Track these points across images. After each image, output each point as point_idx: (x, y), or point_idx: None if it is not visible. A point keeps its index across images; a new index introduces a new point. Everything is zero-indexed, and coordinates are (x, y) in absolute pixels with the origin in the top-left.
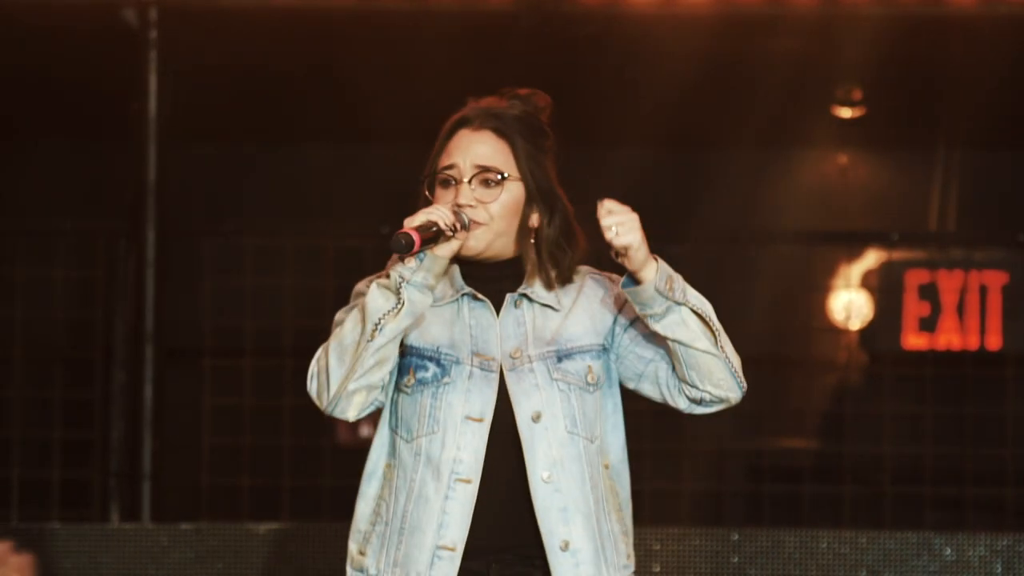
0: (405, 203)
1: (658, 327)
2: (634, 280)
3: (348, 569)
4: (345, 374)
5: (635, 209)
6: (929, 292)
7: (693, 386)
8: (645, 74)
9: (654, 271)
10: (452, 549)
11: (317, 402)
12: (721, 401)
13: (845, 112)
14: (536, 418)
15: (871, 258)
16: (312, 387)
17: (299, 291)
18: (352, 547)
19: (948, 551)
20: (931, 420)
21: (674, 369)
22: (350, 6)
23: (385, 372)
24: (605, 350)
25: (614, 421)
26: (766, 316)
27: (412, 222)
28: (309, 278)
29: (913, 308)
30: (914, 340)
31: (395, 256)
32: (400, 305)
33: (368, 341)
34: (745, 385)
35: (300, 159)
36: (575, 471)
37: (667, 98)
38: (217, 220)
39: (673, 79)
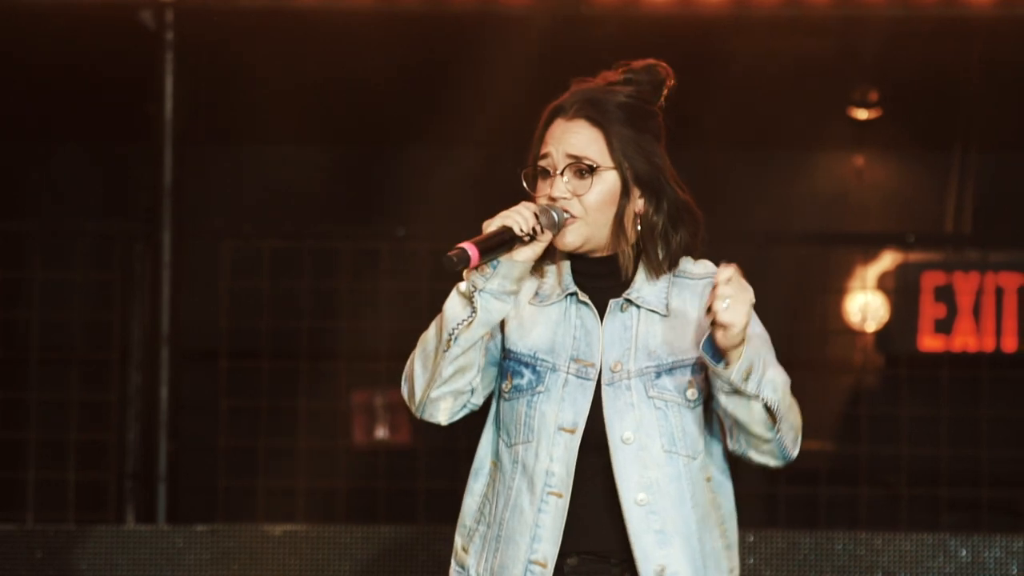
0: (423, 205)
1: (722, 398)
2: (714, 350)
3: (452, 562)
4: (428, 381)
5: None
6: (945, 294)
7: (737, 445)
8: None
9: (738, 357)
10: (544, 565)
11: (408, 406)
12: (760, 464)
13: (861, 114)
14: (627, 440)
15: (887, 260)
16: (404, 391)
17: (315, 293)
18: (458, 541)
19: (964, 553)
20: (947, 422)
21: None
22: (367, 7)
23: (470, 378)
24: (702, 366)
25: (715, 432)
26: (781, 318)
27: (487, 226)
28: (325, 280)
29: (929, 310)
30: (930, 342)
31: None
32: (474, 315)
33: (444, 351)
34: (794, 455)
35: (317, 160)
36: (673, 492)
37: (682, 99)
38: (233, 222)
39: (688, 80)
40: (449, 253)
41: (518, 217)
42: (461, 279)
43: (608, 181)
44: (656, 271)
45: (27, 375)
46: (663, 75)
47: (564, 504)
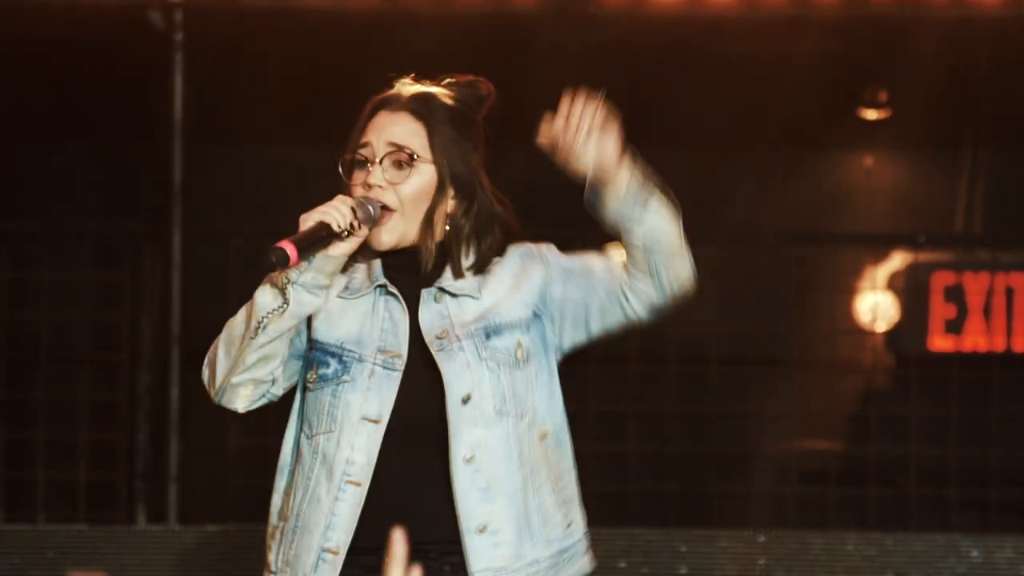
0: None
1: (639, 232)
2: (598, 193)
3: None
4: (229, 367)
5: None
6: (955, 294)
7: (660, 291)
8: (670, 76)
9: (627, 171)
10: (336, 552)
11: (208, 391)
12: (681, 296)
13: (871, 114)
14: (465, 400)
15: (897, 260)
16: (204, 375)
17: None
18: (267, 542)
19: (975, 553)
20: (957, 422)
21: (628, 282)
22: (375, 7)
23: (272, 368)
24: (537, 318)
25: (551, 389)
26: (791, 318)
27: (304, 222)
28: None
29: (939, 310)
30: (940, 342)
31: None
32: (284, 306)
33: (251, 338)
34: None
35: (325, 160)
36: (501, 450)
37: (691, 99)
38: (242, 222)
39: (698, 80)
40: (270, 251)
41: (336, 213)
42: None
43: (425, 174)
44: (459, 273)
45: (36, 375)
46: (485, 92)
47: (362, 493)
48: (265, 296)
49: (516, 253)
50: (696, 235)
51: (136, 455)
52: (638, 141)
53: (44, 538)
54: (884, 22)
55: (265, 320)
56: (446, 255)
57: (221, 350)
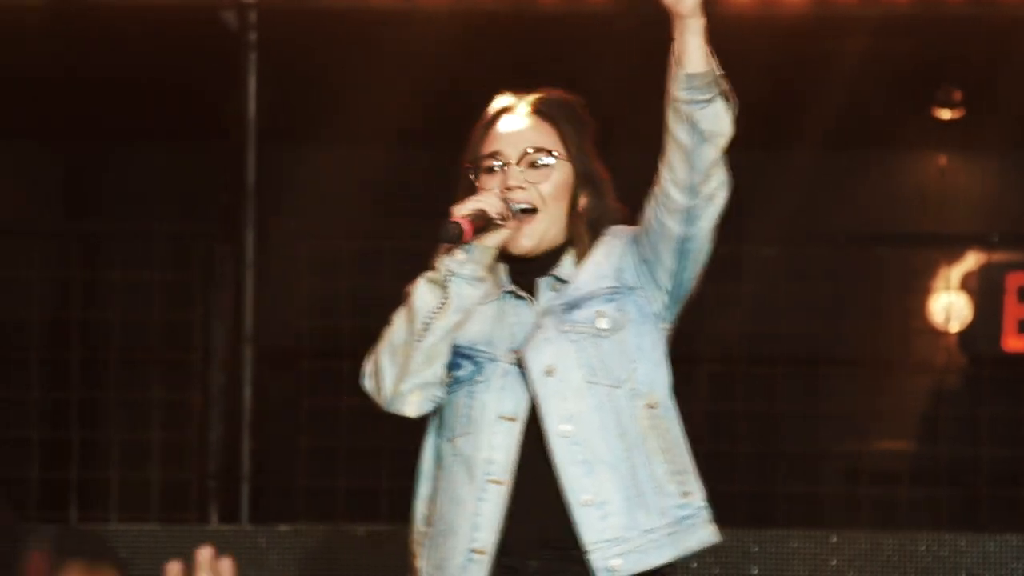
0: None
1: (698, 115)
2: (681, 64)
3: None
4: (397, 375)
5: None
6: None
7: (690, 191)
8: (741, 75)
9: (710, 56)
10: (483, 553)
11: (375, 400)
12: (711, 201)
13: (945, 113)
14: (549, 371)
15: (971, 260)
16: (368, 386)
17: (396, 293)
18: (412, 547)
19: None
20: None
21: (670, 185)
22: (448, 7)
23: (438, 368)
24: (630, 289)
25: (654, 358)
26: (865, 318)
27: (461, 210)
28: (405, 280)
29: (1013, 310)
30: (1014, 342)
31: (443, 250)
32: (448, 300)
33: (418, 341)
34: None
35: (398, 160)
36: (596, 421)
37: (764, 99)
38: (314, 222)
39: (770, 79)
40: (446, 223)
41: (490, 201)
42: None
43: (563, 171)
44: (580, 261)
45: (108, 376)
46: (578, 101)
47: (505, 491)
48: (425, 296)
49: (608, 234)
50: (768, 234)
51: (208, 455)
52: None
53: (117, 537)
54: (959, 21)
55: (431, 319)
56: (568, 247)
57: (385, 360)
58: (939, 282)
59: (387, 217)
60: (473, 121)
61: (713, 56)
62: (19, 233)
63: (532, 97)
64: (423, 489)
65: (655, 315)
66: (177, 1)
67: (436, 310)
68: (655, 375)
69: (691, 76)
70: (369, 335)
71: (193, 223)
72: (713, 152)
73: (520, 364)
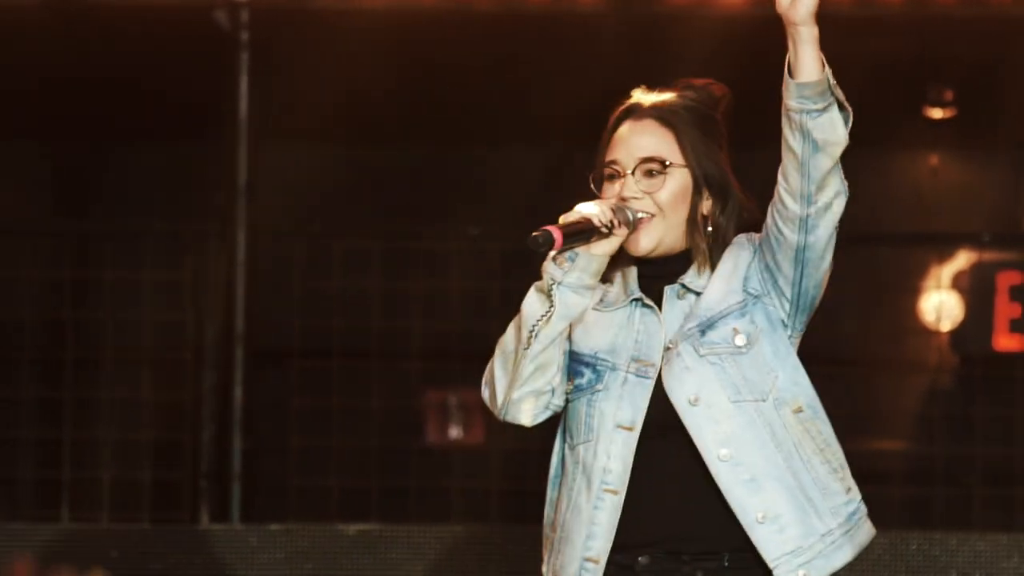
0: (496, 205)
1: (811, 124)
2: (794, 73)
3: None
4: (509, 383)
5: None
6: (1021, 293)
7: (805, 200)
8: (735, 74)
9: (825, 64)
10: (596, 562)
11: (491, 409)
12: (828, 209)
13: (936, 113)
14: (694, 402)
15: (962, 259)
16: (485, 396)
17: (387, 292)
18: (541, 551)
19: None
20: (1021, 422)
21: (785, 194)
22: (440, 6)
23: (550, 377)
24: (756, 299)
25: (792, 362)
26: (856, 317)
27: (566, 218)
28: (397, 279)
29: (1004, 309)
30: (1005, 342)
31: (550, 255)
32: (552, 309)
33: (525, 348)
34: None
35: (390, 160)
36: (751, 438)
37: (758, 98)
38: (307, 221)
39: (763, 79)
40: (534, 233)
41: (596, 209)
42: (539, 274)
43: (680, 179)
44: (707, 269)
45: (100, 375)
46: (719, 93)
47: (618, 501)
48: (532, 304)
49: (735, 242)
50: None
51: (200, 454)
52: None
53: (108, 537)
54: (950, 21)
55: (536, 327)
56: (703, 256)
57: (498, 368)
58: (930, 281)
59: (378, 217)
60: (460, 122)
61: (826, 65)
62: (11, 232)
63: (656, 98)
64: (552, 494)
65: (784, 321)
66: (170, 1)
67: (541, 318)
68: (796, 379)
69: (802, 85)
70: (359, 334)
71: (185, 222)
72: (827, 161)
73: (640, 374)
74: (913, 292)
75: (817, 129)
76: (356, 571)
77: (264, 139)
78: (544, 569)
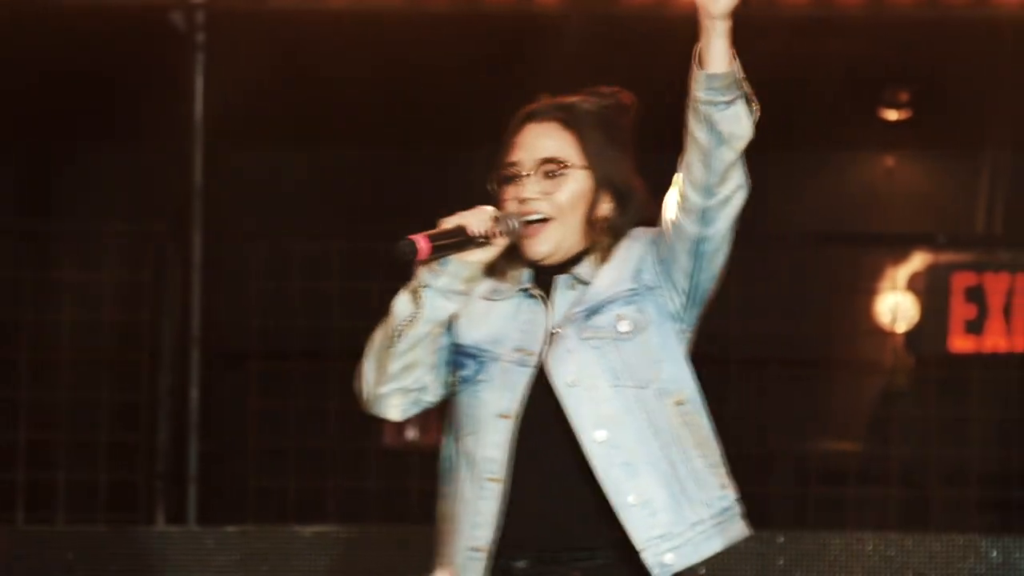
0: (454, 206)
1: (717, 116)
2: (703, 65)
3: None
4: (376, 378)
5: None
6: (976, 294)
7: (706, 191)
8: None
9: (733, 59)
10: (481, 551)
11: (359, 401)
12: (728, 203)
13: (891, 114)
14: (573, 383)
15: (917, 260)
16: (355, 387)
17: (345, 293)
18: (436, 545)
19: (994, 554)
20: (977, 423)
21: (687, 185)
22: (399, 8)
23: (417, 376)
24: (649, 289)
25: (679, 355)
26: (812, 318)
27: (443, 224)
28: (355, 280)
29: (959, 310)
30: (960, 343)
31: (422, 262)
32: (418, 312)
33: (389, 348)
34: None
35: (346, 162)
36: (628, 423)
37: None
38: (263, 223)
39: None
40: (399, 242)
41: (473, 219)
42: (411, 274)
43: (579, 180)
44: (600, 264)
45: (57, 376)
46: (627, 101)
47: (501, 489)
48: (401, 304)
49: (629, 235)
50: None
51: (156, 456)
52: (663, 141)
53: (64, 539)
54: (905, 23)
55: (401, 327)
56: (591, 249)
57: (368, 362)
58: (886, 282)
59: (335, 218)
60: (419, 123)
61: (736, 58)
62: None
63: (558, 103)
64: (444, 487)
65: (675, 314)
66: (125, 1)
67: (408, 320)
68: (681, 372)
69: (712, 76)
70: (317, 336)
71: (143, 223)
72: (731, 154)
73: (520, 363)
74: (868, 293)
75: (724, 121)
76: (312, 572)
77: (220, 140)
78: (437, 560)
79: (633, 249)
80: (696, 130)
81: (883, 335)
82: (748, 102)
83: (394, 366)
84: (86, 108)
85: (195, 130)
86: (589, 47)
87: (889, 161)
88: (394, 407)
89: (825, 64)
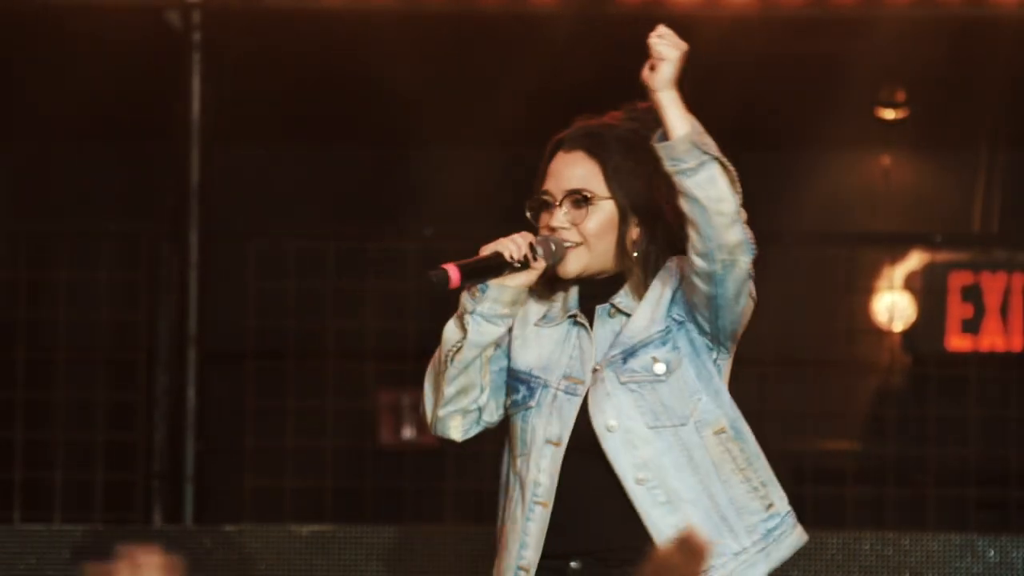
0: (450, 205)
1: (688, 184)
2: (667, 137)
3: None
4: (434, 401)
5: None
6: (972, 294)
7: (707, 258)
8: (688, 75)
9: (689, 124)
10: (527, 570)
11: (424, 424)
12: (734, 265)
13: (888, 113)
14: (611, 428)
15: (914, 260)
16: (420, 411)
17: (341, 293)
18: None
19: (992, 553)
20: (975, 422)
21: (691, 251)
22: (393, 7)
23: (473, 397)
24: (680, 324)
25: (715, 387)
26: (809, 318)
27: (483, 251)
28: (351, 280)
29: (956, 310)
30: (957, 342)
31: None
32: (464, 337)
33: (443, 372)
34: (755, 248)
35: (343, 161)
36: (668, 463)
37: (710, 99)
38: (260, 222)
39: (715, 80)
40: (431, 272)
41: (511, 245)
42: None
43: (605, 210)
44: (639, 294)
45: (54, 375)
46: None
47: (547, 514)
48: (449, 330)
49: (665, 267)
50: None
51: (153, 455)
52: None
53: (60, 538)
54: (901, 22)
55: (450, 353)
56: (635, 280)
57: (427, 387)
58: (883, 282)
59: (332, 218)
60: (413, 122)
61: (694, 123)
62: None
63: (586, 128)
64: (501, 500)
65: (706, 346)
66: (121, 1)
67: (456, 345)
68: (717, 402)
69: (668, 146)
70: (313, 335)
71: (139, 223)
72: (719, 219)
73: (569, 391)
74: (865, 292)
75: (697, 188)
76: (309, 572)
77: (216, 140)
78: (493, 572)
79: (667, 283)
80: (681, 203)
81: (880, 334)
82: (721, 164)
83: (449, 389)
84: (83, 108)
85: (191, 130)
86: (582, 48)
87: (886, 160)
88: (454, 428)
89: (821, 63)
